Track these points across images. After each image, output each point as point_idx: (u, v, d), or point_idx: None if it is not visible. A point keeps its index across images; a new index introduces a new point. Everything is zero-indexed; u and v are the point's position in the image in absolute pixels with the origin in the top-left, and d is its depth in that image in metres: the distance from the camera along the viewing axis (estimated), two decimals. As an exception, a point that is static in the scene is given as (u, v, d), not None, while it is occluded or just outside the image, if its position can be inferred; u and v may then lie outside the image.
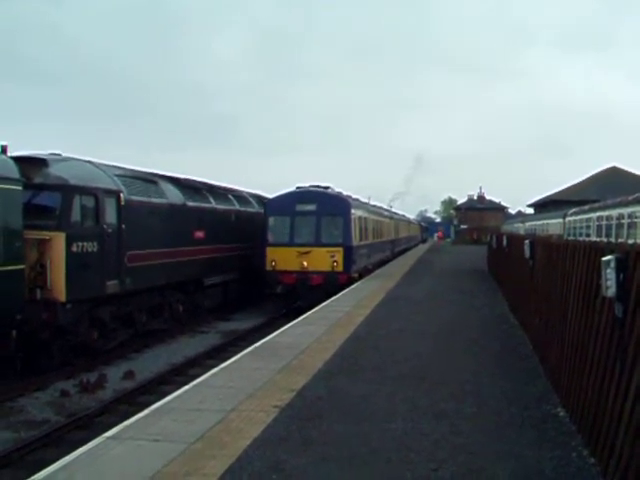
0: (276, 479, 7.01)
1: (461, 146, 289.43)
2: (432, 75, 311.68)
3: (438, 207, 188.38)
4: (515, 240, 20.48)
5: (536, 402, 10.00)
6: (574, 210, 44.11)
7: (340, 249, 29.45)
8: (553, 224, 52.05)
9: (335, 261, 29.24)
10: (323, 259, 29.25)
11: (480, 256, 45.68)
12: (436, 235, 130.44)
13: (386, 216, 51.83)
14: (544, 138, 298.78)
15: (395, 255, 55.28)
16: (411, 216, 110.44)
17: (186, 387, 11.16)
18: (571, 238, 35.43)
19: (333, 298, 24.77)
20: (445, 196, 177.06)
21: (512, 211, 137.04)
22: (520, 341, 15.10)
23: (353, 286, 28.93)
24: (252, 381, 11.25)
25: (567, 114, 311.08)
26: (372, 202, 55.39)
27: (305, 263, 29.03)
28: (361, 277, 32.62)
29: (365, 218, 36.03)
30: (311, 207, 30.07)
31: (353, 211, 31.33)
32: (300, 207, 30.12)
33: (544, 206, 79.61)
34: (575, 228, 42.22)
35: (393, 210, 75.23)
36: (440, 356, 13.52)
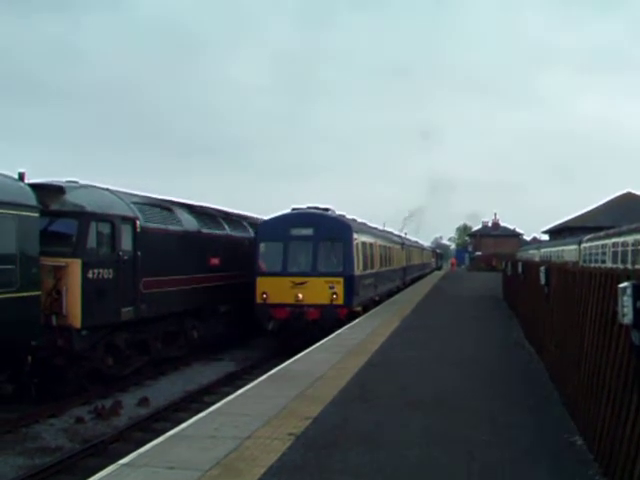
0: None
1: (476, 172, 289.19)
2: (446, 99, 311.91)
3: (453, 234, 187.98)
4: (530, 267, 20.42)
5: (552, 430, 9.93)
6: (589, 236, 43.97)
7: (340, 279, 25.71)
8: (568, 250, 51.89)
9: (334, 293, 25.49)
10: (321, 290, 25.55)
11: (495, 283, 45.52)
12: (450, 262, 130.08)
13: (396, 242, 47.96)
14: (559, 164, 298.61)
15: (407, 284, 51.96)
16: (426, 243, 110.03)
17: (201, 414, 11.15)
18: (586, 265, 35.28)
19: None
20: (460, 223, 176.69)
21: (527, 237, 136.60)
22: (536, 368, 15.02)
23: (353, 323, 25.23)
24: (267, 408, 11.23)
25: (582, 140, 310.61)
26: (387, 228, 54.12)
27: (300, 295, 25.43)
28: (365, 311, 29.27)
29: (371, 244, 32.67)
30: (308, 231, 26.45)
31: (356, 236, 27.61)
32: (295, 231, 26.53)
33: (559, 232, 79.49)
34: (591, 254, 42.06)
35: (406, 236, 74.39)
36: (455, 384, 13.45)
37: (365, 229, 33.50)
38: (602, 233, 40.20)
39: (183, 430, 10.15)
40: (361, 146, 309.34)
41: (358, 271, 27.28)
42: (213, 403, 12.47)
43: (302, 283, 25.53)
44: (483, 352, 17.55)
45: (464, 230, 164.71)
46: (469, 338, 20.39)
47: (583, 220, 73.47)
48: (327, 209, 28.88)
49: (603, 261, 37.09)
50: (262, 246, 26.76)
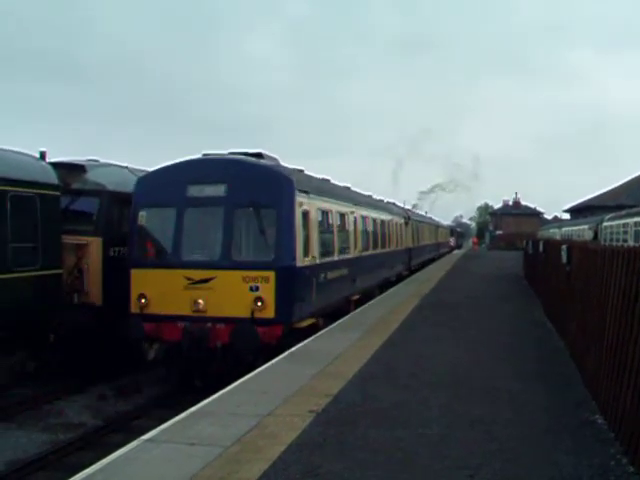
0: (312, 484, 7.01)
1: (497, 151, 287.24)
2: (467, 76, 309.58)
3: (474, 213, 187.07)
4: (551, 245, 20.32)
5: (573, 409, 9.90)
6: (611, 215, 43.60)
7: (269, 274, 15.38)
8: (589, 229, 51.49)
9: (259, 298, 15.23)
10: (236, 293, 15.40)
11: (516, 262, 45.32)
12: (471, 241, 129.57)
13: (396, 215, 37.07)
14: (581, 143, 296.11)
15: (415, 269, 43.57)
16: (446, 222, 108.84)
17: (222, 391, 11.19)
18: (608, 244, 35.04)
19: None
20: (481, 202, 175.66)
21: (548, 217, 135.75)
22: (557, 347, 14.97)
23: (286, 353, 14.67)
24: (288, 386, 11.28)
25: (605, 117, 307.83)
26: (408, 207, 48.58)
27: (201, 301, 15.46)
28: (316, 329, 17.80)
29: (341, 214, 21.94)
30: (216, 190, 16.15)
31: (301, 198, 16.77)
32: (195, 190, 16.29)
33: (580, 212, 78.94)
34: (612, 233, 41.72)
35: (427, 215, 72.48)
36: (476, 362, 13.43)
37: (326, 189, 21.21)
38: (624, 212, 39.85)
39: (204, 407, 10.21)
40: (379, 124, 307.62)
41: (306, 260, 16.89)
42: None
43: (205, 280, 15.60)
44: (503, 331, 17.48)
45: (485, 209, 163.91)
46: (489, 317, 20.31)
47: (604, 199, 72.95)
48: (258, 154, 17.83)
49: (625, 240, 36.77)
50: (141, 216, 16.67)
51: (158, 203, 16.54)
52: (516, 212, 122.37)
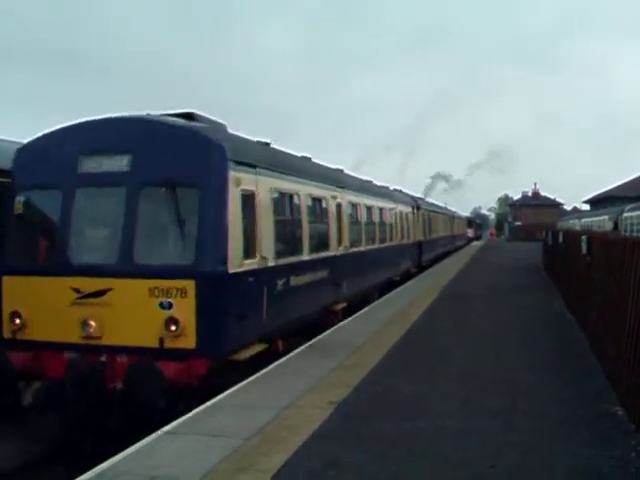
0: (333, 475, 7.05)
1: (515, 141, 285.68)
2: (486, 66, 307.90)
3: (493, 204, 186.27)
4: (571, 236, 20.22)
5: (593, 400, 9.87)
6: (631, 206, 43.34)
7: (187, 284, 10.91)
8: (610, 220, 51.19)
9: (172, 320, 10.84)
10: (140, 312, 11.06)
11: (535, 253, 45.10)
12: (489, 232, 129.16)
13: (401, 202, 31.94)
14: (601, 133, 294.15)
15: (426, 265, 38.70)
16: (464, 213, 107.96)
17: (242, 383, 11.24)
18: (628, 234, 34.84)
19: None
20: (501, 193, 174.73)
21: (567, 208, 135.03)
22: (576, 338, 14.90)
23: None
24: (307, 378, 11.34)
25: (625, 107, 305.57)
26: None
27: (93, 323, 11.14)
28: (275, 354, 13.56)
29: (316, 199, 17.38)
30: (117, 164, 11.75)
31: (242, 174, 12.26)
32: (89, 164, 11.90)
33: (600, 202, 78.48)
34: (633, 224, 41.48)
35: (445, 206, 70.66)
36: (494, 353, 13.42)
37: (289, 165, 15.86)
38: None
39: (223, 400, 10.28)
40: (392, 115, 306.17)
41: (249, 262, 12.22)
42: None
43: (98, 293, 11.19)
44: (523, 322, 17.43)
45: (505, 200, 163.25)
46: (508, 308, 20.25)
47: (624, 190, 72.46)
48: (188, 116, 12.75)
49: (645, 231, 36.60)
50: (18, 203, 12.24)
51: (40, 184, 12.06)
52: (535, 203, 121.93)
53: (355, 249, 21.05)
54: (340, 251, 19.08)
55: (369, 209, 23.87)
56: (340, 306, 18.96)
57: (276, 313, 13.20)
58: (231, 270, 11.42)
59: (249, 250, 12.32)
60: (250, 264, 12.24)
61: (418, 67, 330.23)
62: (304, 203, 16.12)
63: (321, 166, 20.27)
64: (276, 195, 14.17)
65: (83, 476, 7.28)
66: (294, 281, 14.72)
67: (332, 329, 16.71)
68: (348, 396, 10.17)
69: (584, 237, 14.53)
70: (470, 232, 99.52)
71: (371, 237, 23.98)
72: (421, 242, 37.17)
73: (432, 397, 10.16)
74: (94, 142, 11.93)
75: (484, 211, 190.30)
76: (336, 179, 20.29)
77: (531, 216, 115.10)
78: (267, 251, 13.13)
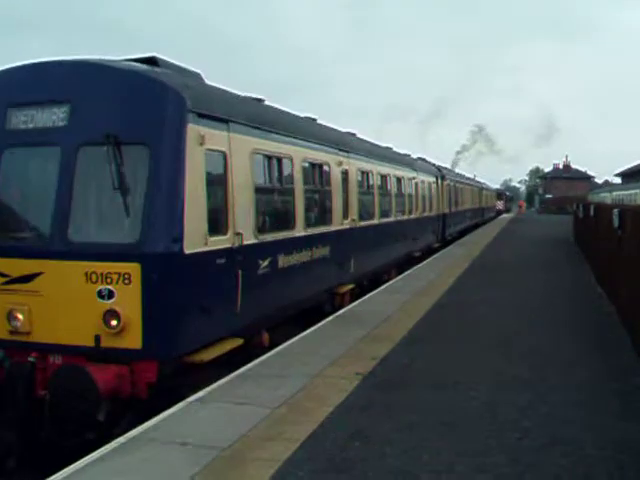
0: (359, 446, 7.05)
1: (548, 113, 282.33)
2: (518, 37, 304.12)
3: (524, 176, 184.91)
4: (603, 209, 19.98)
5: (624, 374, 9.78)
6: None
7: (131, 268, 8.85)
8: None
9: (112, 313, 8.83)
10: (75, 302, 9.02)
11: (566, 226, 44.74)
12: (518, 205, 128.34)
13: (423, 171, 29.77)
14: (633, 106, 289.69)
15: (449, 239, 36.39)
16: (495, 185, 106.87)
17: (270, 353, 11.27)
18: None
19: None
20: (532, 165, 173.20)
21: (598, 181, 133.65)
22: (607, 312, 14.77)
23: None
24: (335, 348, 11.33)
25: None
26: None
27: (20, 316, 9.20)
28: (259, 350, 11.67)
29: (312, 163, 15.00)
30: (52, 117, 9.56)
31: (206, 130, 9.91)
32: (19, 118, 9.76)
33: (632, 176, 77.46)
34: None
35: (474, 178, 69.90)
36: (525, 325, 13.34)
37: (273, 120, 13.21)
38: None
39: (250, 369, 10.29)
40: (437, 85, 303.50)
41: (215, 239, 10.09)
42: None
43: (26, 278, 9.30)
44: (552, 295, 17.30)
45: (536, 172, 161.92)
46: (538, 281, 20.10)
47: (658, 162, 71.49)
48: (151, 60, 10.56)
49: (679, 204, 36.10)
50: None
51: None
52: (566, 176, 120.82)
53: (365, 223, 18.85)
54: (346, 225, 16.93)
55: (384, 178, 21.81)
56: (346, 288, 16.93)
57: (257, 301, 11.24)
58: (189, 250, 9.23)
59: (218, 225, 10.20)
60: (219, 242, 10.10)
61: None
62: (298, 169, 13.86)
63: (324, 127, 17.67)
64: (259, 158, 11.96)
65: (109, 444, 7.29)
66: (283, 262, 12.66)
67: (360, 300, 16.66)
68: (376, 367, 10.16)
69: (616, 210, 14.34)
70: (500, 204, 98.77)
71: (386, 209, 21.86)
72: (445, 214, 35.16)
73: (462, 368, 10.13)
74: (25, 91, 9.81)
75: (515, 183, 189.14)
76: (342, 142, 17.76)
77: (562, 189, 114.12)
78: (245, 226, 10.90)
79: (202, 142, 9.74)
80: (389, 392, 8.93)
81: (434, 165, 35.87)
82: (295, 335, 12.55)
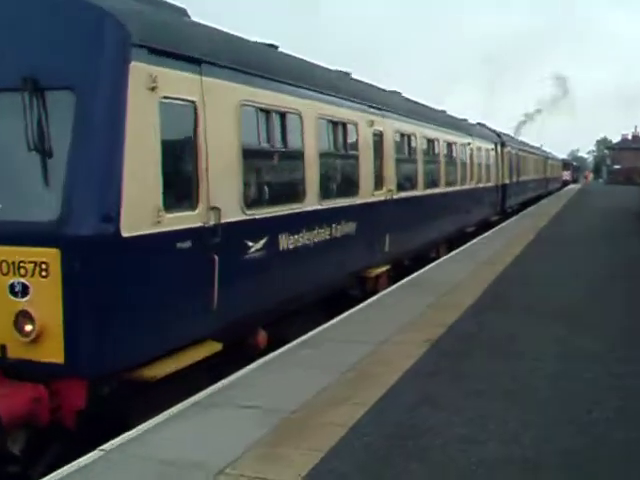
0: (427, 413, 7.07)
1: (614, 81, 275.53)
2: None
3: (591, 147, 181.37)
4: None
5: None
6: None
7: (49, 255, 6.63)
8: None
9: (24, 314, 6.69)
10: None
11: (634, 197, 43.73)
12: (584, 176, 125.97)
13: (479, 136, 27.63)
14: None
15: (510, 212, 33.88)
16: (561, 155, 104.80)
17: (338, 318, 11.33)
18: None
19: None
20: (600, 135, 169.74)
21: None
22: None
23: None
24: (403, 314, 11.36)
25: None
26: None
27: None
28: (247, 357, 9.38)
29: (333, 121, 12.65)
30: None
31: (157, 69, 7.51)
32: None
33: None
34: None
35: (541, 147, 68.41)
36: (591, 297, 13.18)
37: (273, 65, 10.80)
38: None
39: (322, 332, 10.43)
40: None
41: (177, 215, 7.81)
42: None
43: None
44: (620, 267, 17.01)
45: (603, 142, 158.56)
46: (606, 253, 19.77)
47: None
48: None
49: None
50: None
51: None
52: (635, 146, 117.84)
53: (405, 194, 16.53)
54: (379, 197, 14.62)
55: (430, 142, 19.43)
56: (378, 271, 14.60)
57: (246, 294, 9.23)
58: (128, 231, 6.97)
59: (181, 197, 8.09)
60: (182, 220, 7.88)
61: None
62: (310, 127, 11.40)
63: (350, 79, 15.19)
64: (250, 111, 9.60)
65: (179, 405, 7.35)
66: (287, 242, 10.39)
67: (428, 267, 16.56)
68: (444, 334, 10.17)
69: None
70: (566, 175, 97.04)
71: (432, 178, 19.49)
72: (505, 185, 32.76)
73: (529, 337, 10.09)
74: None
75: (582, 154, 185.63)
76: (376, 99, 15.22)
77: (631, 159, 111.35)
78: (226, 199, 8.68)
79: (154, 87, 7.40)
80: (456, 359, 8.95)
81: (494, 131, 33.63)
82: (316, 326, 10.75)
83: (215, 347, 8.42)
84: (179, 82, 7.93)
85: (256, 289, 9.49)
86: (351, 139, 13.42)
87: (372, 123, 14.32)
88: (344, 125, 13.04)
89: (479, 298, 12.89)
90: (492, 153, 29.77)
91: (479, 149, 26.61)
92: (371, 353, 9.19)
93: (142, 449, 6.17)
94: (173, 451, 6.09)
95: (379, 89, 16.89)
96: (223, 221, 8.46)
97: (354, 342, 9.79)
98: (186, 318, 7.97)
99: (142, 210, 7.18)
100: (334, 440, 6.28)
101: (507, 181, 33.43)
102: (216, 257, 8.29)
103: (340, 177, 13.22)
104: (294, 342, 9.95)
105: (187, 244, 7.88)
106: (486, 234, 24.45)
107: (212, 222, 8.31)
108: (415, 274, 15.61)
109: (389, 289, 13.80)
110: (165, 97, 7.59)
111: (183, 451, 6.06)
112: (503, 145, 32.82)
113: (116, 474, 5.75)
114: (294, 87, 10.93)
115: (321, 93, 12.01)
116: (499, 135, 33.80)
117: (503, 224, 28.80)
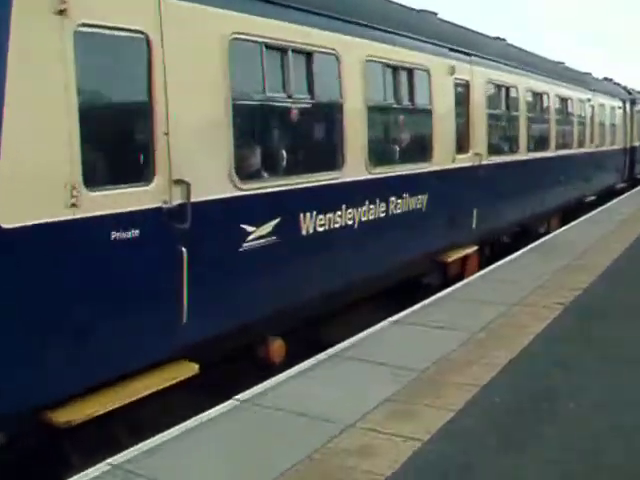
0: (560, 376, 6.93)
1: None
2: None
3: None
4: None
5: None
6: None
7: None
8: None
9: None
10: None
11: None
12: None
13: (602, 91, 24.35)
14: None
15: (635, 181, 29.37)
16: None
17: (471, 277, 11.26)
18: None
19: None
20: None
21: None
22: None
23: None
24: (535, 277, 11.14)
25: None
26: None
27: None
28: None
29: (402, 67, 10.29)
30: None
31: None
32: None
33: None
34: None
35: None
36: None
37: None
38: None
39: (450, 294, 10.39)
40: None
41: (99, 193, 5.54)
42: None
43: None
44: None
45: None
46: None
47: None
48: None
49: None
50: None
51: None
52: None
53: (501, 159, 14.23)
54: (463, 163, 12.33)
55: (537, 97, 16.71)
56: (462, 253, 12.50)
57: (244, 296, 7.25)
58: (13, 221, 4.93)
59: (121, 168, 6.08)
60: (118, 200, 5.75)
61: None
62: (354, 72, 9.00)
63: (425, 17, 12.41)
64: (248, 47, 7.28)
65: (311, 359, 7.47)
66: (313, 224, 8.20)
67: (560, 230, 16.12)
68: (577, 298, 9.89)
69: None
70: None
71: (539, 140, 16.86)
72: (635, 148, 29.06)
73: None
74: None
75: None
76: (459, 40, 12.58)
77: None
78: (202, 169, 6.55)
79: (63, 9, 5.17)
80: (590, 323, 8.70)
81: (623, 87, 29.64)
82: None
83: (189, 370, 6.41)
84: (105, 3, 5.67)
85: (259, 289, 7.43)
86: (420, 90, 10.82)
87: (453, 70, 11.84)
88: (410, 71, 10.50)
89: (613, 262, 12.38)
90: (619, 111, 26.50)
91: (602, 106, 23.62)
92: (503, 314, 9.09)
93: (274, 401, 6.34)
94: (303, 403, 6.24)
95: (468, 30, 14.16)
96: (199, 200, 6.37)
97: (486, 303, 9.68)
98: (132, 337, 5.94)
99: (41, 186, 5.12)
100: (466, 399, 6.27)
101: (637, 144, 30.06)
102: (184, 250, 6.24)
103: (403, 138, 10.85)
104: (427, 300, 9.95)
105: (130, 234, 5.79)
106: (621, 197, 23.19)
107: (176, 201, 6.18)
108: (547, 237, 15.15)
109: (522, 250, 13.49)
110: (84, 25, 5.38)
111: (313, 404, 6.21)
112: (633, 103, 29.41)
113: (245, 423, 5.92)
114: (328, 18, 8.38)
115: (369, 28, 9.33)
116: (629, 92, 30.00)
117: (630, 192, 26.26)
